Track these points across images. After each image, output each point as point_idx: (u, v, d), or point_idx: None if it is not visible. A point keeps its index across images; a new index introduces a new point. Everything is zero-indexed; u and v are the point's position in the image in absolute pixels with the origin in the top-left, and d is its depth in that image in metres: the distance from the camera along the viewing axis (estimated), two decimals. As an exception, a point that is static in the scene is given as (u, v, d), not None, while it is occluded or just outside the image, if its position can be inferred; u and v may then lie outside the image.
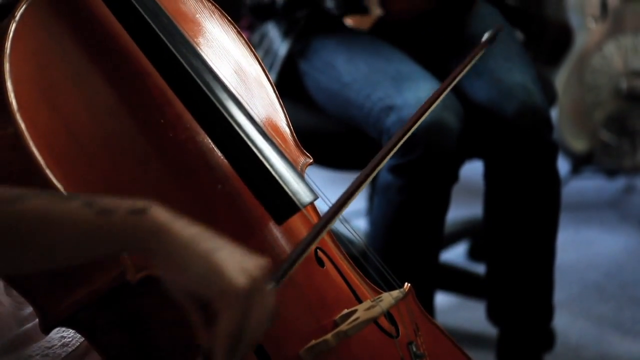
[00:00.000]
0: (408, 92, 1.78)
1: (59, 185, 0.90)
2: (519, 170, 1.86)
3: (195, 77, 1.00)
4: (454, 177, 1.86)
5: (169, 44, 1.00)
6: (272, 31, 2.02)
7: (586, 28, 2.83)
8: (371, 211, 2.05)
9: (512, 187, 1.88)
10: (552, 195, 1.90)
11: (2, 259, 0.83)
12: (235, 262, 0.80)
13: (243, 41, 1.17)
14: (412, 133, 1.74)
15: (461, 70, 1.15)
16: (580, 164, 2.87)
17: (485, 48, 1.22)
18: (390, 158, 1.77)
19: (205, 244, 0.80)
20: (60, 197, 0.84)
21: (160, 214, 0.80)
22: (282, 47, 1.98)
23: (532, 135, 1.83)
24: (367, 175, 1.04)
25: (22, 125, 0.89)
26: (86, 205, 0.81)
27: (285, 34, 1.98)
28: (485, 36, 1.23)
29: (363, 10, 1.92)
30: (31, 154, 0.89)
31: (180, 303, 0.82)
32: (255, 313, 0.80)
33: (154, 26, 1.00)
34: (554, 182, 1.89)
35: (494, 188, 1.91)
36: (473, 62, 1.18)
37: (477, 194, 1.98)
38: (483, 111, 1.86)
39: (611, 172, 2.90)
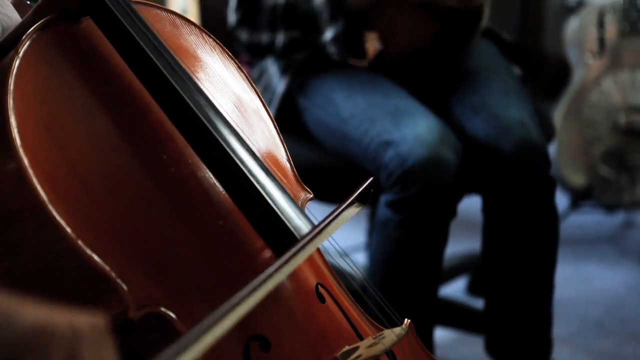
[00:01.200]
0: (406, 128, 1.78)
1: (61, 222, 0.89)
2: (517, 205, 1.86)
3: (197, 112, 1.00)
4: (452, 212, 1.86)
5: (171, 80, 1.00)
6: (272, 68, 2.02)
7: (584, 63, 2.84)
8: (370, 246, 2.04)
9: (510, 223, 1.88)
10: (550, 230, 1.89)
11: None
12: (56, 313, 0.65)
13: (243, 76, 1.18)
14: (411, 168, 1.76)
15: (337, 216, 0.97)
16: (579, 198, 2.87)
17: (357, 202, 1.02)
18: (388, 193, 1.79)
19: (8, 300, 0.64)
20: None
21: None
22: (280, 84, 1.99)
23: (530, 171, 1.83)
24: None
25: (26, 161, 0.88)
26: None
27: (284, 70, 1.99)
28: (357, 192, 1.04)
29: (363, 55, 1.93)
30: (34, 189, 0.88)
31: None
32: None
33: (157, 62, 1.00)
34: (552, 218, 1.89)
35: (492, 223, 1.91)
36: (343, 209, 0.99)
37: (476, 229, 1.98)
38: (481, 147, 1.86)
39: (610, 207, 2.90)
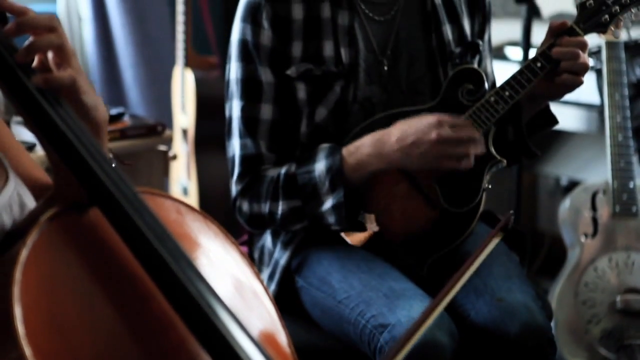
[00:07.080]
0: (401, 311, 1.79)
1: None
2: None
3: (199, 301, 1.01)
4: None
5: (173, 269, 1.02)
6: (272, 243, 2.05)
7: (579, 244, 2.87)
8: None
9: None
10: None
11: None
12: None
13: (245, 261, 1.20)
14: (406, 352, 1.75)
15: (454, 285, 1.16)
16: (580, 380, 2.83)
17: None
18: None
19: None
20: None
21: None
22: (283, 258, 2.01)
23: (536, 355, 1.82)
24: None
25: (27, 352, 0.89)
26: None
27: (286, 244, 2.02)
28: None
29: (362, 228, 1.96)
30: None
31: None
32: None
33: (159, 251, 1.02)
34: None
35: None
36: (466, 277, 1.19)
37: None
38: (485, 330, 1.85)
39: (612, 389, 2.85)
